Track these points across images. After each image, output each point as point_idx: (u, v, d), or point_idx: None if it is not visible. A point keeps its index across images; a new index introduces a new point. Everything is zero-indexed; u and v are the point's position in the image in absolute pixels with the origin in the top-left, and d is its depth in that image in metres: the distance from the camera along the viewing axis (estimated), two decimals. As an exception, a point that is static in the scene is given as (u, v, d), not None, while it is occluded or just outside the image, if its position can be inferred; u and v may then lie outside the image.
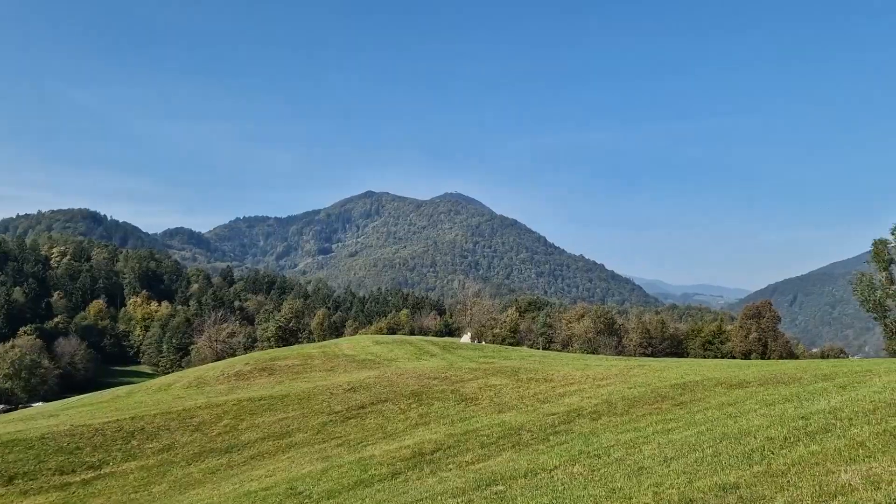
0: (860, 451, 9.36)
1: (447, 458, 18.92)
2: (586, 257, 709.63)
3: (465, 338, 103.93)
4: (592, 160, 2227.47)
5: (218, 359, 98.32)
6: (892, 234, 60.79)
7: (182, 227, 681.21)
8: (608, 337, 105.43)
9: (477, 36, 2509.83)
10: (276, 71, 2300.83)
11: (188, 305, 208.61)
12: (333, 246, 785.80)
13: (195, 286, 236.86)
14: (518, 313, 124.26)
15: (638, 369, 34.85)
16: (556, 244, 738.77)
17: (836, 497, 7.48)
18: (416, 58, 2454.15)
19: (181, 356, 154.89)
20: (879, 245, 61.45)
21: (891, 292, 60.46)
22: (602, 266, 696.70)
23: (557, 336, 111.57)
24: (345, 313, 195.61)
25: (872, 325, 69.89)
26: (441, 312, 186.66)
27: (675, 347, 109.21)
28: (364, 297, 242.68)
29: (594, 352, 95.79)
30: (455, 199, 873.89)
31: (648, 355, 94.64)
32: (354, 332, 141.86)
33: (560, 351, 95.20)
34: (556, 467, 14.06)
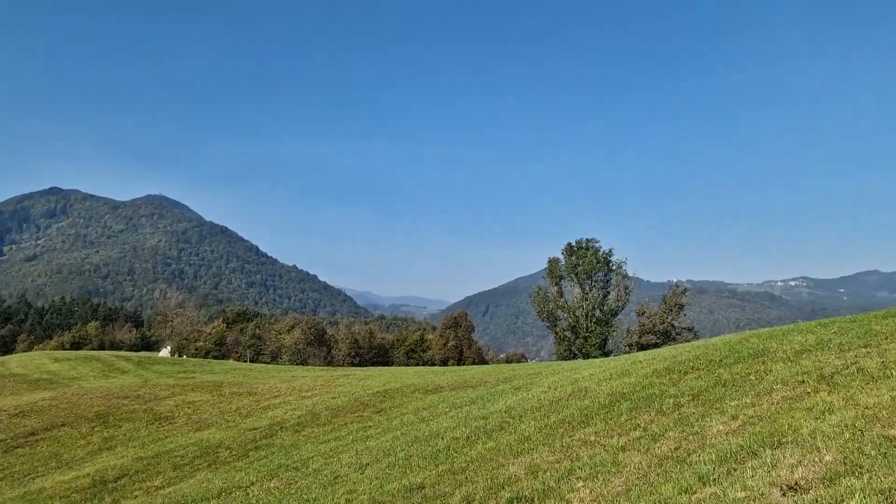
0: (526, 444, 10.58)
1: (133, 484, 17.31)
2: (300, 268, 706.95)
3: (165, 352, 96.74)
4: (307, 171, 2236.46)
5: None
6: (563, 253, 70.58)
7: None
8: (318, 348, 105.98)
9: (180, 34, 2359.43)
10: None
11: None
12: (5, 248, 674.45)
13: None
14: (225, 325, 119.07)
15: (343, 379, 35.54)
16: (270, 253, 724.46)
17: (503, 487, 8.33)
18: (108, 51, 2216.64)
19: None
20: (553, 263, 70.92)
21: (561, 304, 69.95)
22: (315, 277, 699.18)
23: (267, 348, 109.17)
24: (17, 326, 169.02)
25: (547, 332, 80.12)
26: (138, 325, 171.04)
27: (382, 356, 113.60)
28: (43, 308, 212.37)
29: (304, 363, 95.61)
30: (159, 201, 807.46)
31: (356, 365, 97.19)
32: (29, 348, 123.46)
33: (269, 363, 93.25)
34: (252, 483, 13.66)
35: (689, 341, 43.40)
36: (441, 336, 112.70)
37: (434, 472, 10.29)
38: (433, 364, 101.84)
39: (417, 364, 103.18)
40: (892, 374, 8.59)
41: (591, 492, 7.08)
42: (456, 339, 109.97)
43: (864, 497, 4.23)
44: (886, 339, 11.35)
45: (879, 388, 7.88)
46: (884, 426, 6.27)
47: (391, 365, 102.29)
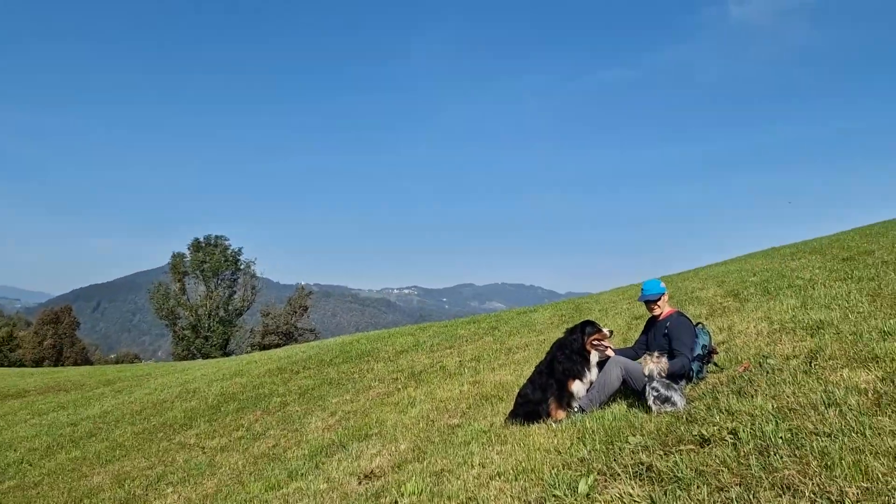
0: (118, 451, 9.74)
1: None
2: None
3: None
4: None
5: None
6: (189, 248, 67.31)
7: None
8: None
9: None
10: None
11: None
12: None
13: None
14: None
15: None
16: None
17: (83, 500, 7.52)
18: None
19: None
20: (177, 258, 67.03)
21: (182, 301, 66.41)
22: None
23: None
24: None
25: (167, 331, 75.20)
26: None
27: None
28: None
29: None
30: None
31: (-87, 366, 79.05)
32: None
33: None
34: None
35: (310, 342, 44.80)
36: (36, 333, 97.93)
37: (-2, 489, 8.83)
38: (23, 365, 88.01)
39: (2, 365, 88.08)
40: (464, 371, 10.03)
41: (179, 496, 6.80)
42: (55, 336, 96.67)
43: (421, 478, 4.81)
44: (466, 341, 13.26)
45: (453, 384, 9.12)
46: (450, 416, 7.27)
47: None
